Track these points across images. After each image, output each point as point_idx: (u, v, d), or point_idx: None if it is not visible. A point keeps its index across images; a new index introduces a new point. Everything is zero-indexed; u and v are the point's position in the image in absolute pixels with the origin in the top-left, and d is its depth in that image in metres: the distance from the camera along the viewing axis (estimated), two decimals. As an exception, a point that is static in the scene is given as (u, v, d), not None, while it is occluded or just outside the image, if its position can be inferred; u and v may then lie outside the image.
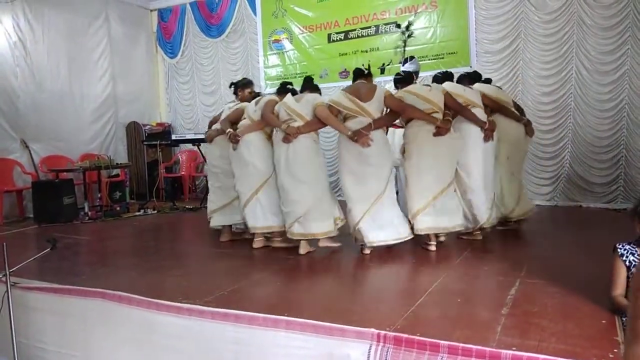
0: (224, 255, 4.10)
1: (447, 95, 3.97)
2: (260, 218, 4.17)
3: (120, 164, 7.09)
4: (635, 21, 5.38)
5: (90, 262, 4.27)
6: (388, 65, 6.70)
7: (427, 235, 3.88)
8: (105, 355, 2.78)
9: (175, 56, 8.58)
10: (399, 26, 6.41)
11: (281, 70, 7.65)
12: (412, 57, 4.82)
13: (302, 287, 3.31)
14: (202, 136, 7.18)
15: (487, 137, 4.05)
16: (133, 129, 8.25)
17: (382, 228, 3.78)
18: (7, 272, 2.89)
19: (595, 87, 5.67)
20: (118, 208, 6.60)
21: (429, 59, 6.46)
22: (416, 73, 4.45)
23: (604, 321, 2.31)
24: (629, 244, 2.40)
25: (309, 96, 4.02)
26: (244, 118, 4.27)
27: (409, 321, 2.39)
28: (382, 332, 2.12)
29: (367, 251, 3.82)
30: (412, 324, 2.33)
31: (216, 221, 4.62)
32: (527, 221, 4.55)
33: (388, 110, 3.92)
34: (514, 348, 1.99)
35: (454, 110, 4.01)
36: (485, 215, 4.04)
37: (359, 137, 3.69)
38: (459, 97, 4.05)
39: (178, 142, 7.85)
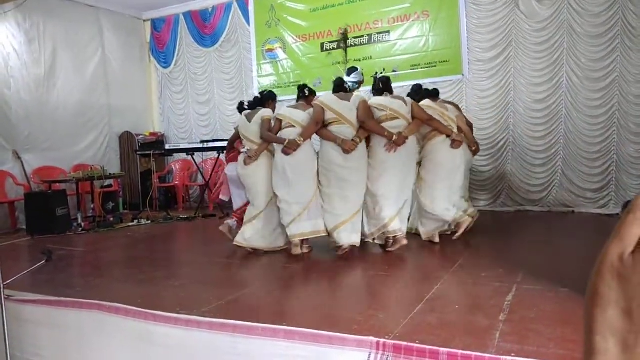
0: (220, 265, 4.09)
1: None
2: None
3: (114, 174, 7.06)
4: (624, 29, 5.47)
5: (84, 274, 4.23)
6: (381, 73, 6.72)
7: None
8: (101, 367, 2.75)
9: (168, 66, 8.59)
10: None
11: (275, 79, 7.68)
12: (355, 68, 4.77)
13: (300, 296, 3.30)
14: (197, 145, 7.22)
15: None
16: (126, 138, 8.23)
17: None
18: (1, 285, 2.87)
19: (586, 93, 5.74)
20: (111, 219, 6.57)
21: (421, 68, 6.52)
22: (359, 83, 4.53)
23: (601, 326, 2.32)
24: None
25: (451, 105, 4.65)
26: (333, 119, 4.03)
27: (408, 329, 2.39)
28: (382, 340, 2.12)
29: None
30: (411, 332, 2.33)
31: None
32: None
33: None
34: (512, 354, 2.00)
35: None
36: None
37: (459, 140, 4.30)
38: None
39: (171, 152, 7.84)
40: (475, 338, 2.24)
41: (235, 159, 4.67)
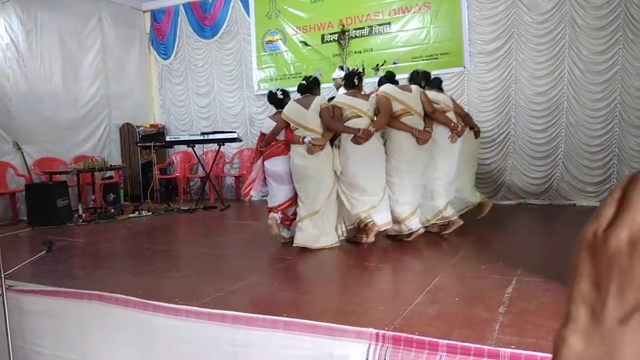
0: (219, 257, 4.09)
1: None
2: None
3: (114, 165, 7.06)
4: (626, 21, 5.43)
5: (85, 265, 4.24)
6: (382, 65, 6.71)
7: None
8: (102, 357, 2.77)
9: (168, 57, 8.55)
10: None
11: (275, 71, 7.65)
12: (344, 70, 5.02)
13: (299, 287, 3.31)
14: (197, 137, 7.21)
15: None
16: (127, 130, 8.21)
17: None
18: (2, 275, 2.88)
19: (587, 86, 5.72)
20: (112, 210, 6.57)
21: (422, 60, 6.48)
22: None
23: (600, 318, 2.33)
24: None
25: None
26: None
27: (407, 320, 2.40)
28: (381, 332, 2.13)
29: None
30: (411, 324, 2.34)
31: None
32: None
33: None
34: (512, 346, 2.00)
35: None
36: None
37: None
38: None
39: (172, 144, 7.83)
40: (475, 330, 2.25)
41: (278, 153, 4.13)
